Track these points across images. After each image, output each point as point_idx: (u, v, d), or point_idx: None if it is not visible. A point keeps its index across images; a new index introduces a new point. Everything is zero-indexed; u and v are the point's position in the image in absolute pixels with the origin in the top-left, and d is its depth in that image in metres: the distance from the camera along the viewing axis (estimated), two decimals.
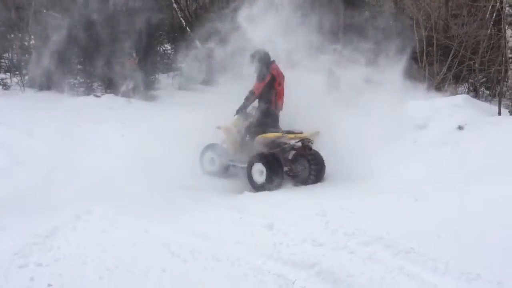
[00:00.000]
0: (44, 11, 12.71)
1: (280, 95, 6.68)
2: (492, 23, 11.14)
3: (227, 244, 3.97)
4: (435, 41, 11.03)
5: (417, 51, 10.78)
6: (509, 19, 6.84)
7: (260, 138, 6.36)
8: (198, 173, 7.04)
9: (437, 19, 11.87)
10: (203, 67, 9.49)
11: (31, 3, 13.02)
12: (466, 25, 10.92)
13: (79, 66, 12.54)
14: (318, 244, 3.86)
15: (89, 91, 12.17)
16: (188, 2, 16.67)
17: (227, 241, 4.05)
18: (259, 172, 6.13)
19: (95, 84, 12.67)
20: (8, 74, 13.07)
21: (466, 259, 3.36)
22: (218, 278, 3.40)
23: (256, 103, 6.78)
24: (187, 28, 15.02)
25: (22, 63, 12.74)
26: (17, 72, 12.54)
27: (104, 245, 3.93)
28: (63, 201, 4.97)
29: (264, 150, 6.33)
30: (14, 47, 13.14)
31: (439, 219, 4.19)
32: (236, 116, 6.85)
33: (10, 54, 13.44)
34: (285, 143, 6.37)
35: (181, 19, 15.45)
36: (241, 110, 6.74)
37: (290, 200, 5.31)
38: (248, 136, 6.77)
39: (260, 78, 6.52)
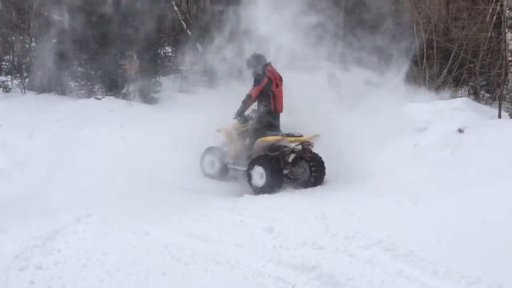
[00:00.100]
0: (46, 13, 12.74)
1: (278, 97, 6.67)
2: (492, 26, 11.15)
3: (227, 247, 3.97)
4: (435, 44, 11.04)
5: (417, 53, 10.79)
6: (509, 22, 6.85)
7: (260, 141, 6.36)
8: (199, 176, 7.04)
9: (438, 21, 11.88)
10: (204, 69, 9.51)
11: (33, 6, 13.07)
12: (466, 28, 10.93)
13: (80, 69, 12.57)
14: (318, 247, 3.86)
15: (90, 93, 12.21)
16: (189, 5, 16.68)
17: (227, 244, 4.05)
18: (259, 175, 6.13)
19: (96, 87, 12.69)
20: (9, 76, 13.10)
21: (466, 263, 3.36)
22: (218, 281, 3.40)
23: (255, 105, 6.78)
24: (188, 31, 15.04)
25: (23, 66, 12.77)
26: (18, 75, 12.57)
27: (105, 248, 3.93)
28: (64, 204, 4.97)
29: (264, 153, 6.34)
30: (15, 49, 13.17)
31: (439, 223, 4.19)
32: (236, 119, 6.86)
33: (11, 57, 13.47)
34: (285, 146, 6.37)
35: (182, 21, 15.46)
36: (239, 114, 6.75)
37: (290, 203, 5.31)
38: (248, 139, 6.77)
39: (257, 81, 6.56)
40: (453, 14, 12.07)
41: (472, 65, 10.84)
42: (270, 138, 6.30)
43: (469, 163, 5.55)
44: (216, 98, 8.87)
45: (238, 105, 6.76)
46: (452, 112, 6.73)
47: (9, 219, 4.51)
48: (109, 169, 6.29)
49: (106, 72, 12.39)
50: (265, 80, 6.48)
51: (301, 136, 6.32)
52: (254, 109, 6.81)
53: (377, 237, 3.89)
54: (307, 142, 6.33)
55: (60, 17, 12.09)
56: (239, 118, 6.78)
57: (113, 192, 5.52)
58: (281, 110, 6.78)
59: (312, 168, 6.40)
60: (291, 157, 6.74)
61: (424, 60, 11.01)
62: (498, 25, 10.79)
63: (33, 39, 13.43)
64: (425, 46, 10.97)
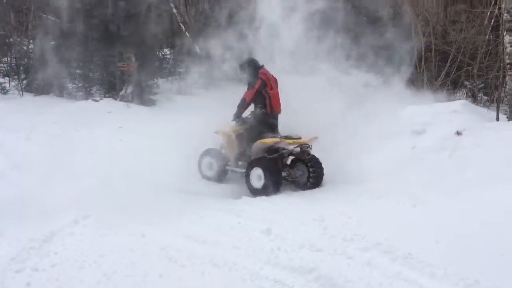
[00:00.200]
0: (44, 15, 12.73)
1: (274, 98, 6.65)
2: (490, 29, 11.20)
3: (224, 249, 3.96)
4: (433, 47, 11.07)
5: (416, 56, 10.81)
6: (507, 25, 6.86)
7: (259, 143, 6.36)
8: (197, 178, 7.02)
9: (436, 24, 11.91)
10: (202, 71, 9.51)
11: (31, 7, 13.05)
12: (464, 31, 10.97)
13: (78, 71, 12.55)
14: (316, 250, 3.85)
15: (87, 95, 12.19)
16: (188, 7, 16.70)
17: (225, 246, 4.03)
18: (258, 177, 6.12)
19: (94, 89, 12.67)
20: (7, 78, 13.08)
21: (465, 265, 3.35)
22: (216, 283, 3.39)
23: (253, 108, 6.79)
24: (186, 33, 15.05)
25: (21, 67, 12.75)
26: (15, 76, 12.55)
27: (102, 250, 3.92)
28: (61, 206, 4.96)
29: (263, 155, 6.33)
30: (13, 51, 13.15)
31: (437, 225, 4.19)
32: (234, 121, 6.86)
33: (8, 58, 13.45)
34: (284, 148, 6.37)
35: (180, 24, 15.47)
36: (237, 116, 6.76)
37: (288, 205, 5.30)
38: (246, 141, 6.76)
39: (250, 85, 6.59)
40: (451, 17, 12.10)
41: (470, 68, 10.88)
42: (269, 140, 6.29)
43: (467, 166, 5.56)
44: (214, 100, 8.88)
45: (235, 107, 6.77)
46: (450, 115, 6.74)
47: (6, 221, 4.49)
48: (107, 171, 6.29)
49: (104, 74, 12.38)
50: (258, 82, 6.50)
51: (299, 138, 6.32)
52: (252, 111, 6.82)
53: (375, 239, 3.88)
54: (305, 144, 6.33)
55: (59, 19, 12.09)
56: (237, 120, 6.78)
57: (111, 194, 5.52)
58: (278, 112, 6.77)
59: (311, 170, 6.39)
60: (290, 159, 6.75)
61: (423, 63, 11.05)
62: (496, 28, 10.84)
63: (31, 40, 13.41)
64: (423, 49, 11.00)
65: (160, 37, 13.67)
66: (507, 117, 7.10)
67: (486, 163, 5.43)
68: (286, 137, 6.29)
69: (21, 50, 13.17)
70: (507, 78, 6.98)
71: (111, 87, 12.07)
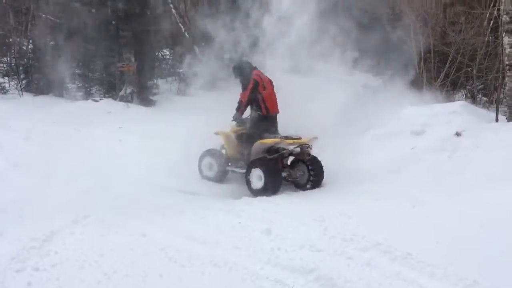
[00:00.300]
0: (43, 15, 12.74)
1: (268, 99, 6.63)
2: (489, 30, 11.21)
3: (225, 249, 3.96)
4: (432, 48, 11.08)
5: (415, 57, 10.83)
6: (506, 26, 6.88)
7: (259, 143, 6.36)
8: (197, 178, 7.03)
9: (435, 26, 11.93)
10: (201, 72, 9.52)
11: (30, 8, 13.06)
12: (463, 32, 10.99)
13: (77, 71, 12.55)
14: (316, 250, 3.85)
15: (87, 95, 12.20)
16: (187, 8, 16.72)
17: (225, 246, 4.03)
18: (258, 177, 6.12)
19: (94, 89, 12.69)
20: (6, 78, 13.08)
21: (464, 265, 3.36)
22: (216, 283, 3.39)
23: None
24: (186, 34, 15.05)
25: (20, 68, 12.75)
26: (15, 76, 12.56)
27: (102, 249, 3.92)
28: (61, 206, 4.97)
29: (263, 155, 6.34)
30: (12, 51, 13.15)
31: (437, 225, 4.19)
32: (234, 122, 6.87)
33: (8, 58, 13.45)
34: (284, 149, 6.37)
35: (180, 24, 15.47)
36: (236, 118, 6.77)
37: (288, 205, 5.30)
38: (246, 141, 6.77)
39: (245, 87, 6.63)
40: (451, 18, 12.12)
41: (469, 69, 10.89)
42: (269, 141, 6.30)
43: (467, 167, 5.57)
44: (213, 101, 8.88)
45: (235, 109, 6.78)
46: (450, 116, 6.75)
47: (6, 221, 4.50)
48: (107, 171, 6.29)
49: (103, 74, 12.39)
50: (252, 82, 6.52)
51: (299, 138, 6.33)
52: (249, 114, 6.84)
53: (374, 240, 3.89)
54: (305, 144, 6.33)
55: (58, 19, 12.09)
56: (237, 120, 6.79)
57: (111, 194, 5.53)
58: (275, 112, 6.75)
59: (311, 170, 6.40)
60: (290, 159, 6.75)
61: (422, 64, 11.06)
62: (495, 30, 10.85)
63: (30, 41, 13.41)
64: (422, 50, 11.02)
65: (160, 38, 13.70)
66: (506, 118, 7.11)
67: (485, 164, 5.44)
68: (286, 138, 6.29)
69: (21, 50, 13.18)
70: (507, 79, 7.00)
71: (111, 87, 12.09)
